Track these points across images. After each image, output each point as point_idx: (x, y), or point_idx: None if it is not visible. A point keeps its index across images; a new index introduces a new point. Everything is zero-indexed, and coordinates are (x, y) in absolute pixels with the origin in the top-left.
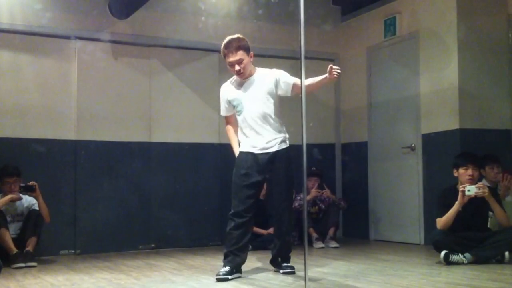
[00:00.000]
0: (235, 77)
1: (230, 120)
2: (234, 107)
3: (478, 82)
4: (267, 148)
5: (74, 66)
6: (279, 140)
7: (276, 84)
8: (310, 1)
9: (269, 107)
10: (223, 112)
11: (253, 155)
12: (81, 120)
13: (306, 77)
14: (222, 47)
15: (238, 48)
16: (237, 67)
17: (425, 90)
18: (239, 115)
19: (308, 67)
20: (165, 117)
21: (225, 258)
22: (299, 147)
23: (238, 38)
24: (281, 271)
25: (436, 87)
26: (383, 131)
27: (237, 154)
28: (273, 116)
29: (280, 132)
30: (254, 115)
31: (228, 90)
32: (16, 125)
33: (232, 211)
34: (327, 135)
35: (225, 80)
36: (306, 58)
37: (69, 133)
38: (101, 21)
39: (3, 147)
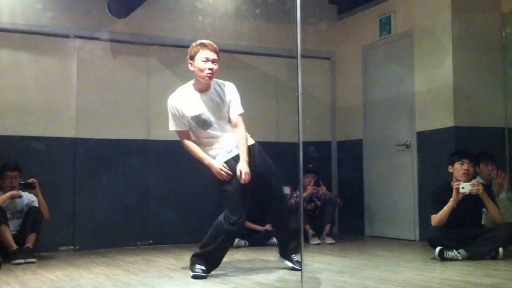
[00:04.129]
0: (187, 89)
1: (188, 135)
2: (198, 122)
3: (473, 80)
4: (234, 153)
5: (74, 65)
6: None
7: (226, 105)
8: (307, 0)
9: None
10: (177, 127)
11: (231, 160)
12: (80, 118)
13: (302, 76)
14: (198, 42)
15: (217, 51)
16: (211, 65)
17: (420, 88)
18: (205, 130)
19: (304, 65)
20: (164, 115)
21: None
22: (296, 145)
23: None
24: (291, 265)
25: (431, 85)
26: (378, 129)
27: (208, 160)
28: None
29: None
30: (219, 130)
31: (189, 104)
32: (15, 123)
33: (234, 218)
34: (323, 133)
35: (222, 78)
36: (302, 56)
37: (68, 131)
38: (100, 20)
39: (3, 145)
